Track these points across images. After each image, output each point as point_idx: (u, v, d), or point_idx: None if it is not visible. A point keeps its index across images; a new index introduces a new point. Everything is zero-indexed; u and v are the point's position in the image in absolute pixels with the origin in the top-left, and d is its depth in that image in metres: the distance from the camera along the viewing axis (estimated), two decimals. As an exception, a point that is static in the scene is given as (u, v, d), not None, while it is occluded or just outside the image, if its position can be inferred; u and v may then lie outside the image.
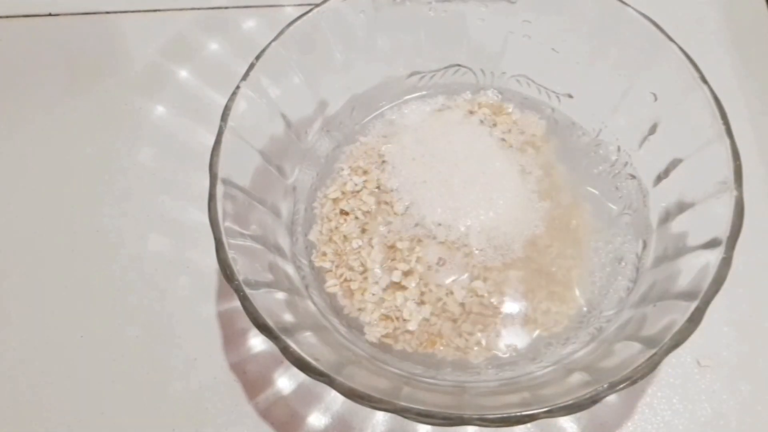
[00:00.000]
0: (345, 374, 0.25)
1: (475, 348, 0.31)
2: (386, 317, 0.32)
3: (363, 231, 0.34)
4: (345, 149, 0.37)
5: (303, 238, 0.35)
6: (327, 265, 0.34)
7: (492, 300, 0.32)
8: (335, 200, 0.35)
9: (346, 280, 0.33)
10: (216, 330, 0.34)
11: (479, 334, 0.31)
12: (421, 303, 0.32)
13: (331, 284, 0.33)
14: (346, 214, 0.35)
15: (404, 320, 0.32)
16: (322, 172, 0.37)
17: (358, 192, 0.35)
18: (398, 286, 0.33)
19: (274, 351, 0.25)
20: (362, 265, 0.33)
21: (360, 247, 0.34)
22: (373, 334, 0.31)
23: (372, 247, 0.34)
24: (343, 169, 0.36)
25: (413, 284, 0.32)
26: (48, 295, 0.36)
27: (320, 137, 0.37)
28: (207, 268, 0.36)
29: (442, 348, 0.31)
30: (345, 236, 0.34)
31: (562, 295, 0.32)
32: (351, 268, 0.33)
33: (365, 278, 0.33)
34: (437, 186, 0.35)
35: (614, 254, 0.33)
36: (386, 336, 0.31)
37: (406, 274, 0.33)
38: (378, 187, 0.35)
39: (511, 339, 0.31)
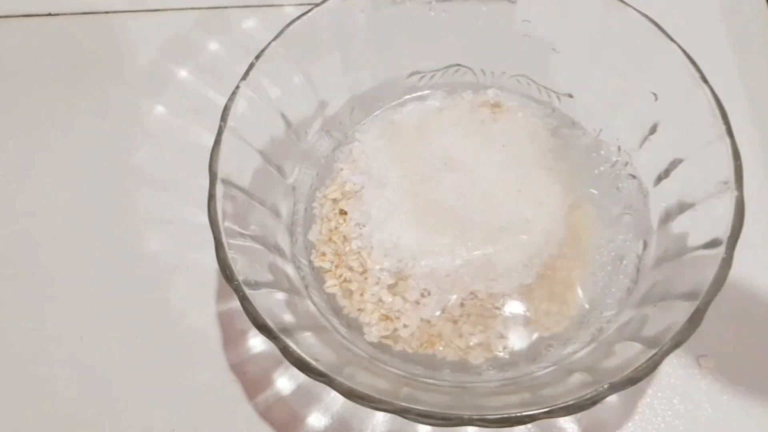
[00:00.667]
0: (345, 374, 0.25)
1: (476, 349, 0.31)
2: (386, 318, 0.32)
3: (362, 230, 0.34)
4: (344, 149, 0.37)
5: (303, 238, 0.35)
6: (326, 265, 0.34)
7: (492, 301, 0.32)
8: (335, 200, 0.35)
9: (345, 280, 0.33)
10: (216, 330, 0.34)
11: (480, 335, 0.31)
12: (421, 304, 0.32)
13: (331, 284, 0.33)
14: (346, 213, 0.35)
15: (404, 324, 0.32)
16: (322, 172, 0.37)
17: (357, 192, 0.35)
18: (398, 287, 0.33)
19: (274, 351, 0.25)
20: (362, 265, 0.33)
21: (360, 247, 0.34)
22: (373, 334, 0.31)
23: (372, 247, 0.33)
24: (342, 169, 0.36)
25: (413, 285, 0.32)
26: (47, 295, 0.36)
27: (320, 137, 0.36)
28: (207, 268, 0.36)
29: (441, 349, 0.31)
30: (345, 236, 0.34)
31: (563, 295, 0.32)
32: (351, 269, 0.33)
33: (365, 279, 0.33)
34: (437, 186, 0.35)
35: (615, 254, 0.33)
36: (386, 337, 0.31)
37: (406, 275, 0.33)
38: (378, 187, 0.35)
39: (512, 340, 0.31)
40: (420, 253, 0.33)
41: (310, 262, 0.34)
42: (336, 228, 0.34)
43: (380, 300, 0.32)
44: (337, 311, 0.32)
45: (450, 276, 0.32)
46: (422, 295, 0.32)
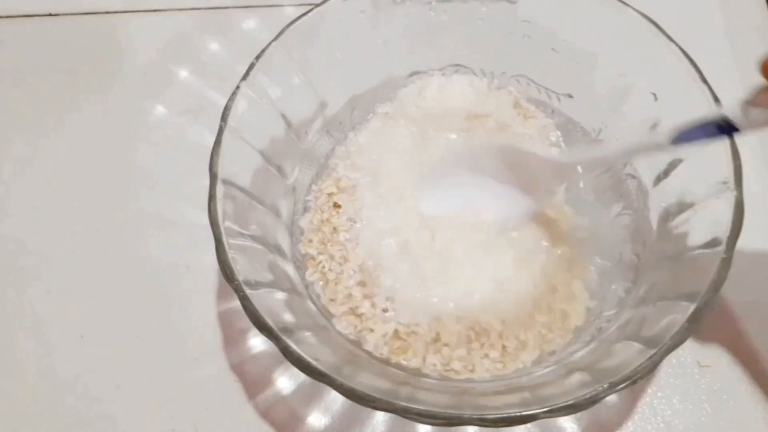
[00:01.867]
0: (345, 374, 0.25)
1: (459, 368, 0.30)
2: (353, 313, 0.32)
3: (353, 225, 0.34)
4: (341, 146, 0.37)
5: (298, 228, 0.35)
6: (312, 251, 0.34)
7: (477, 323, 0.31)
8: (330, 195, 0.35)
9: (325, 268, 0.33)
10: (216, 330, 0.34)
11: (460, 359, 0.30)
12: (386, 321, 0.32)
13: (311, 272, 0.33)
14: (340, 207, 0.35)
15: (369, 328, 0.31)
16: (320, 170, 0.37)
17: (353, 187, 0.35)
18: (369, 289, 0.32)
19: (274, 351, 0.25)
20: (343, 257, 0.33)
21: (347, 240, 0.34)
22: (342, 325, 0.31)
23: (358, 244, 0.33)
24: (338, 165, 0.36)
25: (379, 293, 0.32)
26: (48, 294, 0.36)
27: (320, 137, 0.36)
28: (207, 268, 0.36)
29: (414, 359, 0.30)
30: (335, 228, 0.34)
31: (565, 310, 0.32)
32: (332, 258, 0.33)
33: (342, 271, 0.33)
34: (435, 183, 0.35)
35: (615, 254, 0.33)
36: (354, 332, 0.31)
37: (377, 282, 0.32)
38: (373, 184, 0.35)
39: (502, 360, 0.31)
40: (401, 264, 0.33)
41: (297, 249, 0.34)
42: (328, 219, 0.34)
43: (350, 295, 0.32)
44: (314, 300, 0.32)
45: (427, 294, 0.32)
46: (384, 310, 0.32)
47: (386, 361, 0.31)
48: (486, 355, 0.30)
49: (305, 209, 0.35)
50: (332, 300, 0.32)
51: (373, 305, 0.32)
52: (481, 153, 0.34)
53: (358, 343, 0.31)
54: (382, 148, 0.36)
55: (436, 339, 0.31)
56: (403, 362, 0.30)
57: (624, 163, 0.35)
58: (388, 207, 0.34)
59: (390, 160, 0.36)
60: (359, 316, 0.32)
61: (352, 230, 0.34)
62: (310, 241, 0.34)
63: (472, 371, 0.30)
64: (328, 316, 0.32)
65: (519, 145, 0.33)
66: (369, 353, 0.31)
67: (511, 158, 0.33)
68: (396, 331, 0.31)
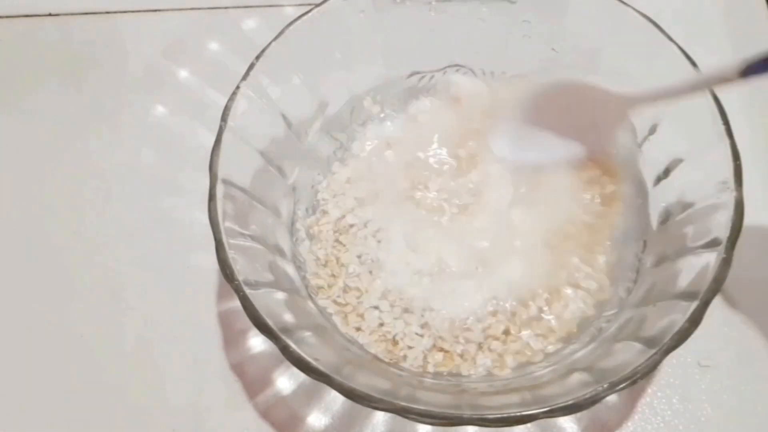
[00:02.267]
0: (345, 374, 0.25)
1: (471, 363, 0.31)
2: (385, 339, 0.31)
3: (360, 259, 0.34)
4: (324, 181, 0.36)
5: (305, 232, 0.35)
6: (321, 282, 0.33)
7: (499, 324, 0.31)
8: (332, 231, 0.35)
9: (339, 299, 0.32)
10: (216, 330, 0.34)
11: (481, 355, 0.31)
12: (422, 336, 0.31)
13: (322, 298, 0.32)
14: (344, 245, 0.34)
15: (408, 346, 0.31)
16: (313, 207, 0.36)
17: (352, 226, 0.35)
18: (398, 315, 0.32)
19: (274, 351, 0.25)
20: (359, 288, 0.32)
21: (360, 273, 0.33)
22: (375, 350, 0.31)
23: (376, 277, 0.33)
24: (327, 201, 0.35)
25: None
26: (48, 295, 0.36)
27: (320, 137, 0.36)
28: (207, 268, 0.36)
29: (463, 365, 0.30)
30: (343, 264, 0.33)
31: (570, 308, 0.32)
32: (346, 290, 0.32)
33: (361, 301, 0.32)
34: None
35: (615, 254, 0.33)
36: (389, 356, 0.31)
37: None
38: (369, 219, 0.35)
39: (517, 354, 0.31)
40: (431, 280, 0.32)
41: (305, 278, 0.33)
42: (335, 255, 0.33)
43: (381, 324, 0.31)
44: (314, 300, 0.32)
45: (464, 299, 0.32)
46: (422, 327, 0.31)
47: (426, 373, 0.30)
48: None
49: (308, 236, 0.34)
50: (358, 329, 0.31)
51: (407, 324, 0.31)
52: (543, 98, 0.33)
53: (395, 365, 0.30)
54: (375, 180, 0.36)
55: (486, 337, 0.31)
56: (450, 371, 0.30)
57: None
58: (400, 245, 0.34)
59: (387, 190, 0.35)
60: (391, 339, 0.31)
61: (364, 264, 0.33)
62: (316, 274, 0.33)
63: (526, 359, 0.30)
64: (355, 344, 0.31)
65: (580, 81, 0.31)
66: (408, 371, 0.30)
67: (571, 98, 0.32)
68: (435, 344, 0.31)
